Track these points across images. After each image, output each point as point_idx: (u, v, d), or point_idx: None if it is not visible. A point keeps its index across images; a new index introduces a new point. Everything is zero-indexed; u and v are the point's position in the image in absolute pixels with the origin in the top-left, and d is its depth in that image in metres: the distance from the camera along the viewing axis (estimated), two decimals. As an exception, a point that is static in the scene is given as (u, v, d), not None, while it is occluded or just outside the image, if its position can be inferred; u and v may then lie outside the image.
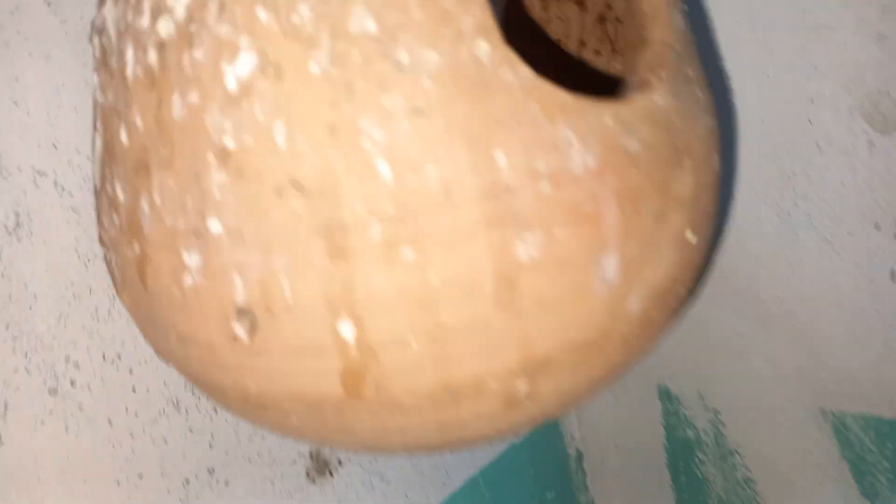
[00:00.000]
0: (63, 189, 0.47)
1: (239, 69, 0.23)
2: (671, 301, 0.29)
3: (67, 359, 0.48)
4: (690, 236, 0.27)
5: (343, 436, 0.29)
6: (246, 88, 0.23)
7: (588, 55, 0.42)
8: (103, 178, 0.29)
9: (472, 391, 0.25)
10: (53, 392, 0.47)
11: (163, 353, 0.31)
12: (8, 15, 0.43)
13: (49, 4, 0.45)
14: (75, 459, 0.49)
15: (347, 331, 0.24)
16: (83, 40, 0.46)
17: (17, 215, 0.45)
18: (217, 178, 0.24)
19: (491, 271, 0.23)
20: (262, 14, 0.23)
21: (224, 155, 0.24)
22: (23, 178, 0.45)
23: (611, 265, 0.25)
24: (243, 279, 0.24)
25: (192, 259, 0.25)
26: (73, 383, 0.48)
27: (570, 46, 0.43)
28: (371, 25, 0.22)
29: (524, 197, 0.23)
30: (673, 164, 0.26)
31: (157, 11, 0.25)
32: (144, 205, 0.26)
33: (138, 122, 0.26)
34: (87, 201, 0.47)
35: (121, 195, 0.28)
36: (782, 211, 0.47)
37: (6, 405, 0.45)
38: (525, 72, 0.23)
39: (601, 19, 0.40)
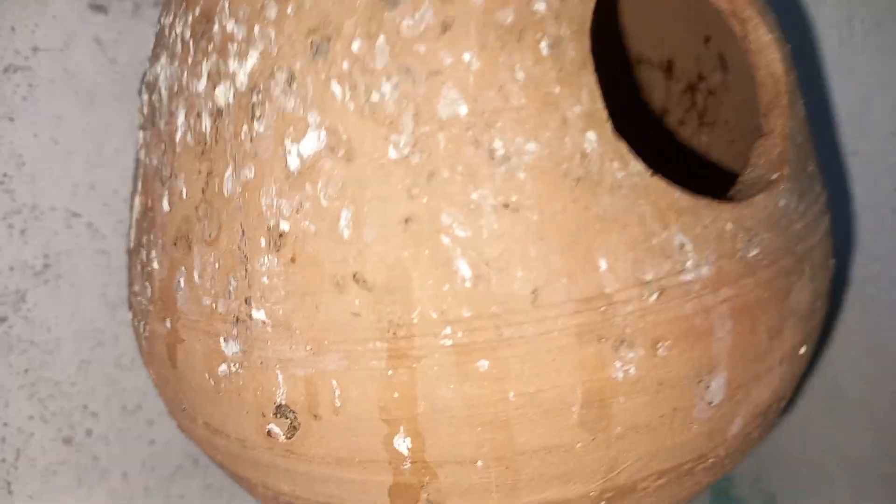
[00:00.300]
0: (96, 231, 0.44)
1: (304, 147, 0.20)
2: (772, 416, 0.25)
3: (85, 408, 0.45)
4: (803, 350, 0.24)
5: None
6: (310, 169, 0.20)
7: (671, 124, 0.39)
8: (138, 243, 0.27)
9: (543, 518, 0.22)
10: (68, 441, 0.45)
11: (187, 433, 0.28)
12: (57, 52, 0.41)
13: (99, 43, 0.43)
14: (86, 516, 0.46)
15: (403, 445, 0.21)
16: (133, 81, 0.44)
17: (47, 257, 0.43)
18: (267, 262, 0.21)
19: (581, 390, 0.20)
20: (337, 90, 0.20)
21: (278, 239, 0.21)
22: (56, 219, 0.43)
23: (717, 386, 0.21)
24: (286, 376, 0.21)
25: (229, 347, 0.22)
26: (89, 433, 0.45)
27: (653, 113, 0.40)
28: (463, 109, 0.19)
29: (627, 308, 0.20)
30: (793, 273, 0.22)
31: (217, 76, 0.22)
32: (181, 281, 0.24)
33: (183, 191, 0.23)
34: (119, 245, 0.44)
35: (156, 266, 0.25)
36: (864, 295, 0.43)
37: (18, 453, 0.43)
38: (637, 167, 0.20)
39: (690, 88, 0.37)
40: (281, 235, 0.21)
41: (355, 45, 0.20)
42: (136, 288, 0.27)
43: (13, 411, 0.42)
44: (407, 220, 0.20)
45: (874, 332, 0.42)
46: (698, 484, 0.24)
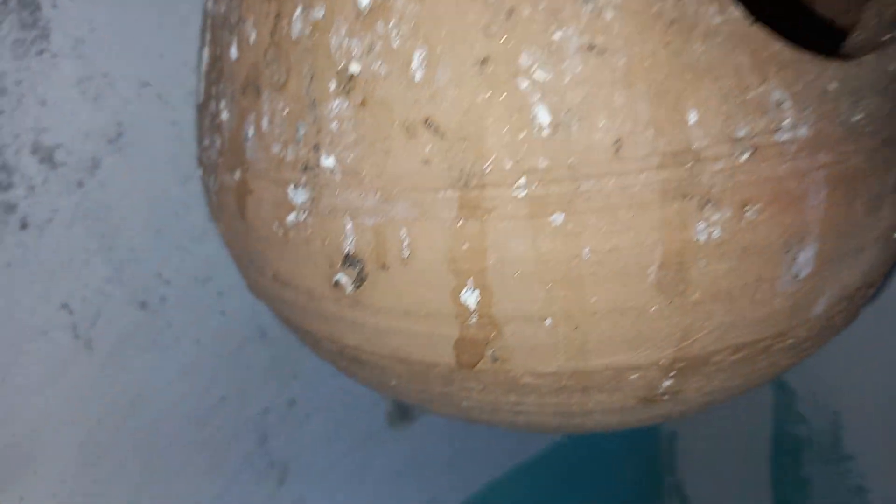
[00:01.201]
0: (166, 102, 0.45)
1: (378, -21, 0.19)
2: (857, 303, 0.24)
3: (159, 275, 0.47)
4: (900, 232, 0.22)
5: (446, 405, 0.25)
6: (381, 6, 0.19)
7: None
8: (207, 96, 0.26)
9: (608, 382, 0.21)
10: (143, 306, 0.47)
11: (256, 289, 0.29)
12: None
13: None
14: (160, 375, 0.48)
15: (471, 298, 0.20)
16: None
17: (120, 124, 0.44)
18: (337, 107, 0.20)
19: (660, 250, 0.19)
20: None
21: (348, 81, 0.20)
22: (127, 88, 0.43)
23: (806, 259, 0.20)
24: (355, 225, 0.21)
25: (298, 195, 0.22)
26: (163, 300, 0.47)
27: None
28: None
29: (715, 166, 0.18)
30: (899, 144, 0.20)
31: None
32: (250, 129, 0.23)
33: (252, 36, 0.23)
34: (189, 117, 0.45)
35: (225, 116, 0.25)
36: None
37: (98, 313, 0.45)
38: (736, 13, 0.18)
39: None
40: (350, 78, 0.20)
41: None
42: (206, 142, 0.27)
43: (91, 273, 0.44)
44: (483, 62, 0.18)
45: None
46: (774, 365, 0.23)
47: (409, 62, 0.19)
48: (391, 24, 0.19)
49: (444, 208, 0.19)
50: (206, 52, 0.27)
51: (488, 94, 0.18)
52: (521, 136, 0.18)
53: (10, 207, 0.41)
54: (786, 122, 0.19)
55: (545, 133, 0.18)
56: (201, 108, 0.28)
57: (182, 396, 0.50)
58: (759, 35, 0.18)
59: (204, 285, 0.49)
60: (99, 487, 0.47)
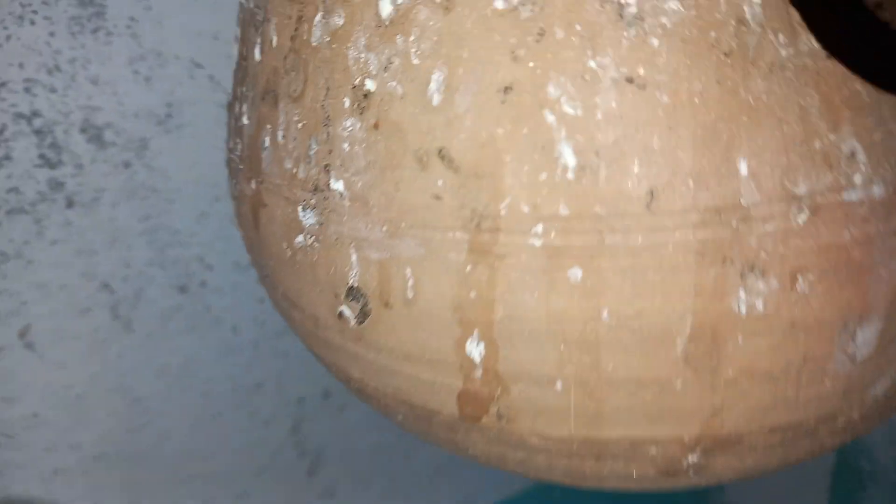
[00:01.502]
0: (218, 85, 0.44)
1: (399, -11, 0.17)
2: (927, 382, 0.20)
3: (201, 259, 0.47)
4: None
5: (452, 449, 0.24)
6: (404, 17, 0.17)
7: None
8: (234, 96, 0.25)
9: (623, 453, 0.19)
10: (184, 290, 0.46)
11: (271, 300, 0.27)
12: None
13: None
14: (198, 358, 0.48)
15: (476, 351, 0.18)
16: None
17: (170, 106, 0.43)
18: (350, 126, 0.19)
19: (690, 320, 0.16)
20: (437, -86, 0.17)
21: (362, 100, 0.18)
22: (179, 68, 0.43)
23: (866, 338, 0.17)
24: (360, 257, 0.19)
25: (307, 217, 0.20)
26: (203, 284, 0.47)
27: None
28: (590, -52, 0.15)
29: (766, 227, 0.16)
30: None
31: None
32: (267, 139, 0.22)
33: (274, 39, 0.21)
34: (237, 101, 0.44)
35: (245, 121, 0.23)
36: None
37: (138, 294, 0.45)
38: (810, 45, 0.15)
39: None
40: (366, 95, 0.18)
41: None
42: (231, 144, 0.26)
43: (135, 254, 0.44)
44: (506, 89, 0.16)
45: None
46: (820, 447, 0.21)
47: (427, 83, 0.17)
48: (412, 38, 0.17)
49: (453, 250, 0.17)
50: (235, 49, 0.25)
51: (509, 128, 0.16)
52: (542, 177, 0.16)
53: (58, 185, 0.41)
54: (858, 178, 0.16)
55: (569, 176, 0.16)
56: (229, 108, 0.26)
57: (218, 380, 0.50)
58: (835, 71, 0.16)
59: (244, 272, 0.49)
60: (130, 466, 0.47)
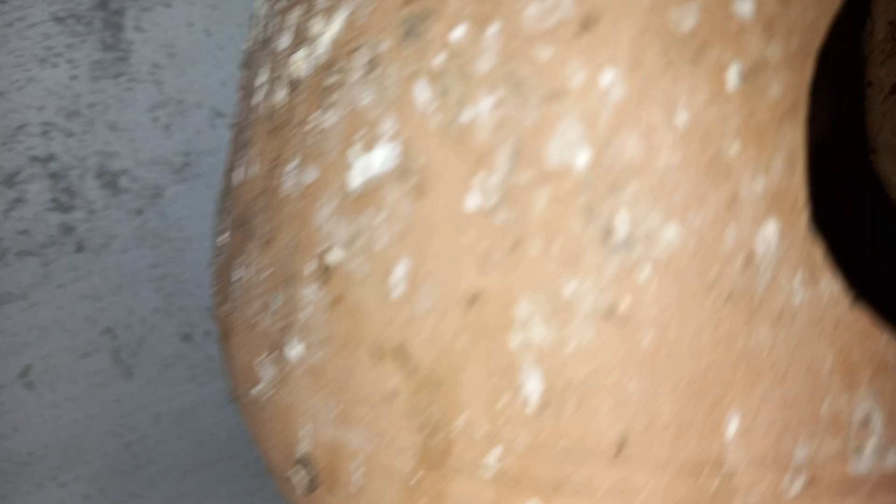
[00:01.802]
0: (237, 135, 0.43)
1: (372, 162, 0.16)
2: None
3: (206, 309, 0.46)
4: None
5: None
6: (373, 193, 0.16)
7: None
8: (222, 198, 0.24)
9: None
10: (187, 339, 0.46)
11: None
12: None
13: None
14: (195, 407, 0.48)
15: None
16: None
17: (187, 155, 0.42)
18: (311, 295, 0.17)
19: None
20: (423, 93, 0.15)
21: (324, 270, 0.17)
22: (200, 117, 0.42)
23: None
24: (313, 430, 0.18)
25: (265, 370, 0.19)
26: (207, 334, 0.46)
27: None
28: (582, 158, 0.13)
29: (750, 495, 0.14)
30: None
31: (300, 36, 0.17)
32: (240, 269, 0.20)
33: (256, 167, 0.20)
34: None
35: (226, 237, 0.22)
36: None
37: (140, 341, 0.44)
38: (832, 289, 0.13)
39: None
40: (327, 269, 0.17)
41: (458, 32, 0.14)
42: (217, 242, 0.25)
43: (140, 301, 0.43)
44: (471, 300, 0.14)
45: None
46: None
47: (391, 271, 0.15)
48: (380, 218, 0.16)
49: (401, 455, 0.16)
50: (229, 151, 0.24)
51: (469, 345, 0.14)
52: (501, 403, 0.14)
53: (69, 230, 0.40)
54: (869, 447, 0.14)
55: (530, 408, 0.14)
56: (221, 197, 0.25)
57: (214, 430, 0.49)
58: (860, 322, 0.13)
59: (252, 323, 0.48)
60: (118, 510, 0.47)
